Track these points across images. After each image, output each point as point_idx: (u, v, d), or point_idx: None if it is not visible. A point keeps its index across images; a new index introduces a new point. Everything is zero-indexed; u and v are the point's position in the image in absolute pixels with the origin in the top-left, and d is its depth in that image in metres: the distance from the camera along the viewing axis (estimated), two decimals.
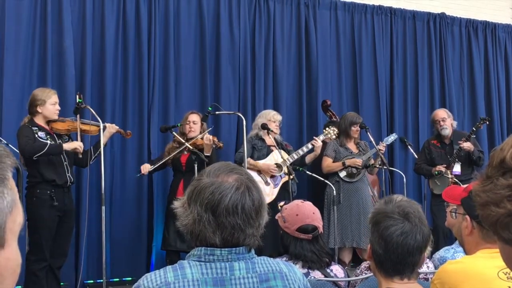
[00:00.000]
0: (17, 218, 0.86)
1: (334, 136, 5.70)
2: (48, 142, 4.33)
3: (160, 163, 5.15)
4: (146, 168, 5.11)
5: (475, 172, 5.73)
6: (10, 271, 0.85)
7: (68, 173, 4.48)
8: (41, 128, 4.43)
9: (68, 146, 4.43)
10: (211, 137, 5.11)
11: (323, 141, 5.69)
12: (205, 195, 1.45)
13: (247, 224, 1.46)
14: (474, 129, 6.22)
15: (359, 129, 5.91)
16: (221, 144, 5.18)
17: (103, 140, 4.57)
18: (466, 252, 2.02)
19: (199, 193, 1.46)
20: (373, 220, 1.77)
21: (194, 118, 5.37)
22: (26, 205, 4.34)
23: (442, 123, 6.08)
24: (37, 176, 4.35)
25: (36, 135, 4.36)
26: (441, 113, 6.17)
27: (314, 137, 5.65)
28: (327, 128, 5.76)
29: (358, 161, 5.73)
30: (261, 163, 5.51)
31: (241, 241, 1.47)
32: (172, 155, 5.15)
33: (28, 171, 4.42)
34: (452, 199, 2.07)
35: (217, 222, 1.44)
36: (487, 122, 6.44)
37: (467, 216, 1.96)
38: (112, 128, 4.72)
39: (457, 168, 6.00)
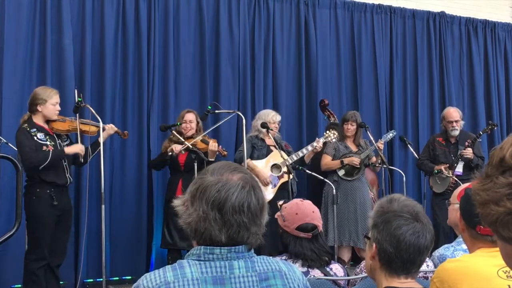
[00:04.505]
0: None
1: (334, 140, 5.70)
2: (50, 150, 4.24)
3: (191, 143, 5.10)
4: (177, 147, 5.11)
5: (475, 174, 5.73)
6: None
7: (67, 173, 4.46)
8: (40, 129, 4.37)
9: (69, 150, 4.37)
10: (216, 144, 5.12)
11: (323, 142, 5.69)
12: (211, 193, 1.45)
13: (252, 222, 1.47)
14: (481, 133, 6.21)
15: (351, 127, 5.90)
16: (225, 153, 5.19)
17: (101, 140, 4.56)
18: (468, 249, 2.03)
19: (204, 191, 1.46)
20: (381, 218, 1.76)
21: (190, 117, 5.38)
22: (24, 204, 4.33)
23: (455, 124, 6.08)
24: (36, 177, 4.31)
25: (35, 138, 4.30)
26: (455, 115, 6.13)
27: (317, 139, 5.63)
28: (327, 131, 5.75)
29: (356, 160, 5.74)
30: (259, 168, 5.47)
31: (245, 239, 1.48)
32: (199, 137, 5.16)
33: (28, 172, 4.38)
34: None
35: (223, 220, 1.44)
36: (495, 127, 6.44)
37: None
38: (110, 129, 4.71)
39: (459, 168, 6.00)
